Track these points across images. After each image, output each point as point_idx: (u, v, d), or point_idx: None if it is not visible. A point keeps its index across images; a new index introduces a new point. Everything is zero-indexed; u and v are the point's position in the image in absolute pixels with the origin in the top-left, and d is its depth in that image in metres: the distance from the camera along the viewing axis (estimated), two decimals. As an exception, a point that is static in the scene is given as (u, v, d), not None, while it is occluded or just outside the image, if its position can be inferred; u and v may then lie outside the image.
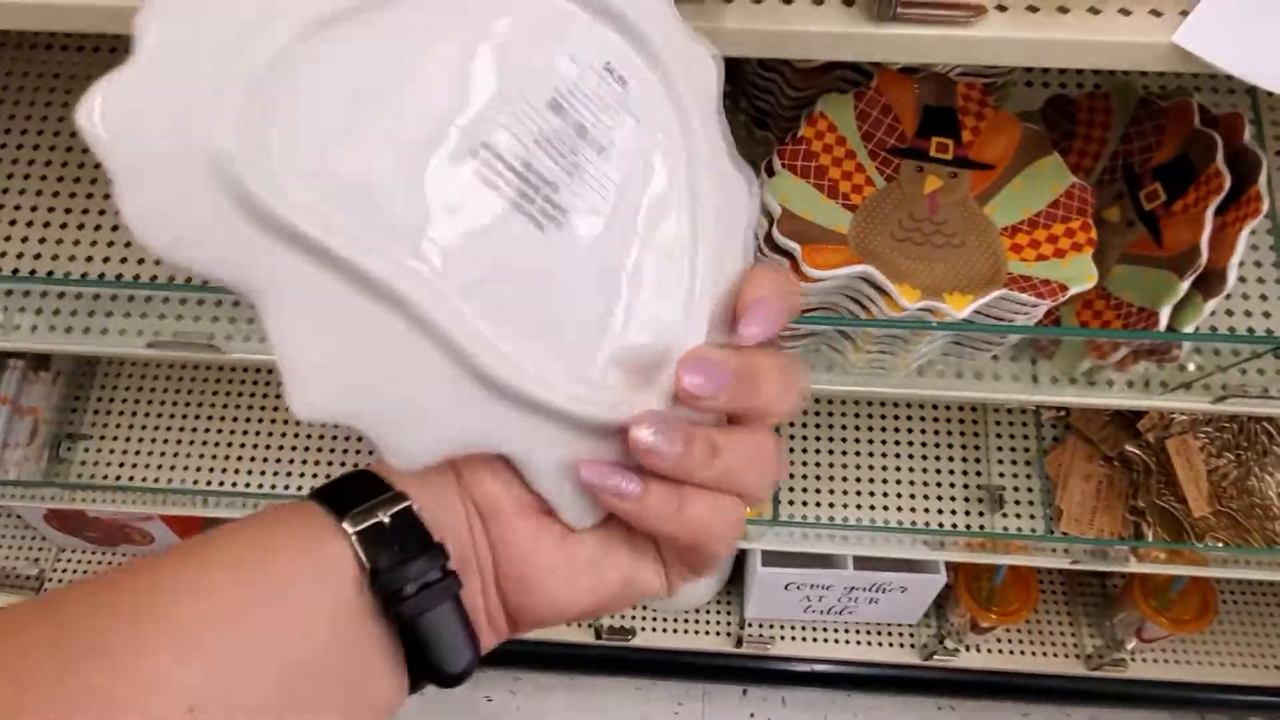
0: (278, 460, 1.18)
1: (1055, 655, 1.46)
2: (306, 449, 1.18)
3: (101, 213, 0.85)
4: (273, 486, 1.16)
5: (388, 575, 0.28)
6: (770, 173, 0.69)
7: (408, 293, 0.25)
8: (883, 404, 1.19)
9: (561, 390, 0.28)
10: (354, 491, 0.29)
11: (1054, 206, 0.70)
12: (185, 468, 1.18)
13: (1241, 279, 0.77)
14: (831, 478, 1.15)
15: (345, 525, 0.28)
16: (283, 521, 0.29)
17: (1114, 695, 1.47)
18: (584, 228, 0.29)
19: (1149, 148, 0.76)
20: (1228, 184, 0.68)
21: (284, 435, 1.19)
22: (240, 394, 1.22)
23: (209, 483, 1.15)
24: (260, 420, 1.20)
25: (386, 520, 0.28)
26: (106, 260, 0.84)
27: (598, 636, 1.45)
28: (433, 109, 0.26)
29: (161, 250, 0.23)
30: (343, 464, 1.16)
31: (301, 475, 1.16)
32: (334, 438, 1.18)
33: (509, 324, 0.27)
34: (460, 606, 0.29)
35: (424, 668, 0.29)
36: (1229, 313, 0.76)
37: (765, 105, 0.83)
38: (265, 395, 1.22)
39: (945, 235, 0.70)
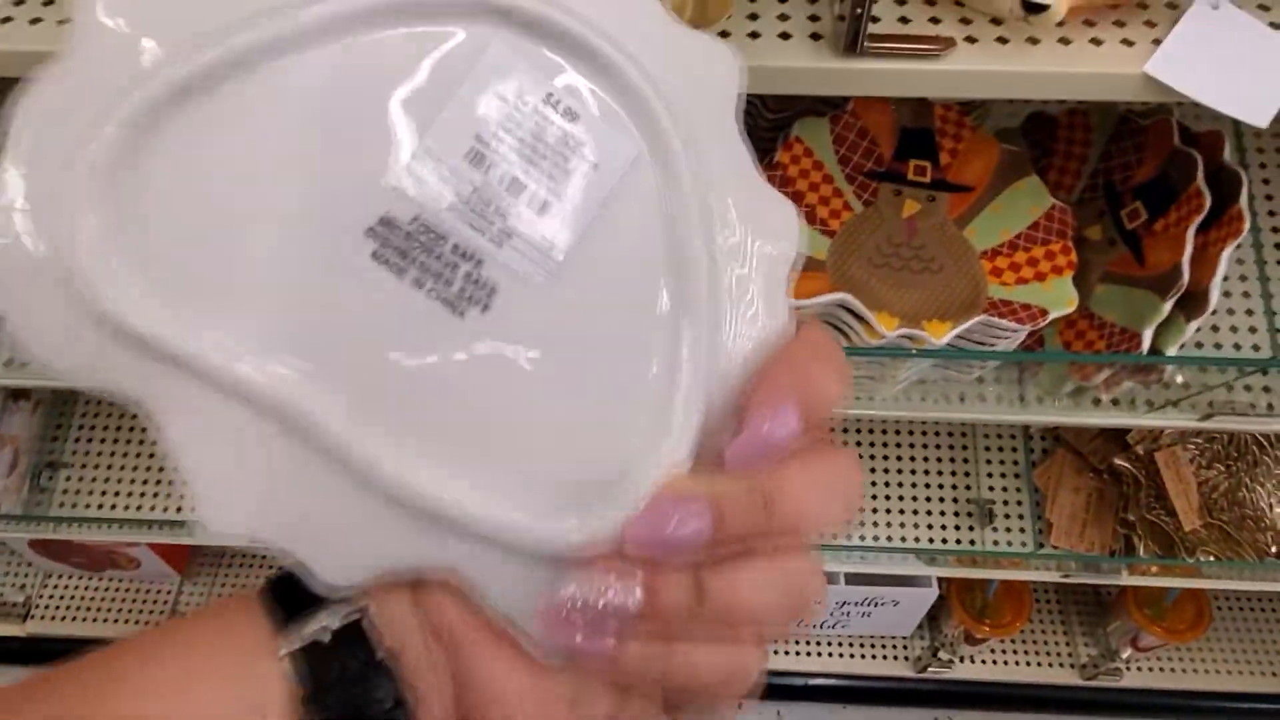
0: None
1: (1050, 665, 1.46)
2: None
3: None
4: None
5: (322, 704, 0.24)
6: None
7: (289, 405, 0.22)
8: (871, 422, 1.18)
9: (494, 514, 0.23)
10: (302, 591, 0.25)
11: (1034, 229, 0.69)
12: (169, 495, 1.16)
13: (1225, 294, 0.76)
14: (820, 494, 1.14)
15: (281, 641, 0.24)
16: (214, 633, 0.26)
17: (1110, 705, 1.46)
18: (519, 308, 0.24)
19: (1130, 165, 0.75)
20: (1208, 204, 0.68)
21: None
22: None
23: (194, 509, 1.14)
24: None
25: (328, 636, 0.24)
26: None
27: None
28: (309, 187, 0.22)
29: (44, 361, 0.21)
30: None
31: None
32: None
33: (419, 434, 0.23)
34: None
35: None
36: (1214, 329, 0.75)
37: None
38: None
39: (924, 260, 0.69)
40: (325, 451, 0.22)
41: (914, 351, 0.66)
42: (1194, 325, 0.69)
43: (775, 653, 1.45)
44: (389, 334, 0.23)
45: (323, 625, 0.25)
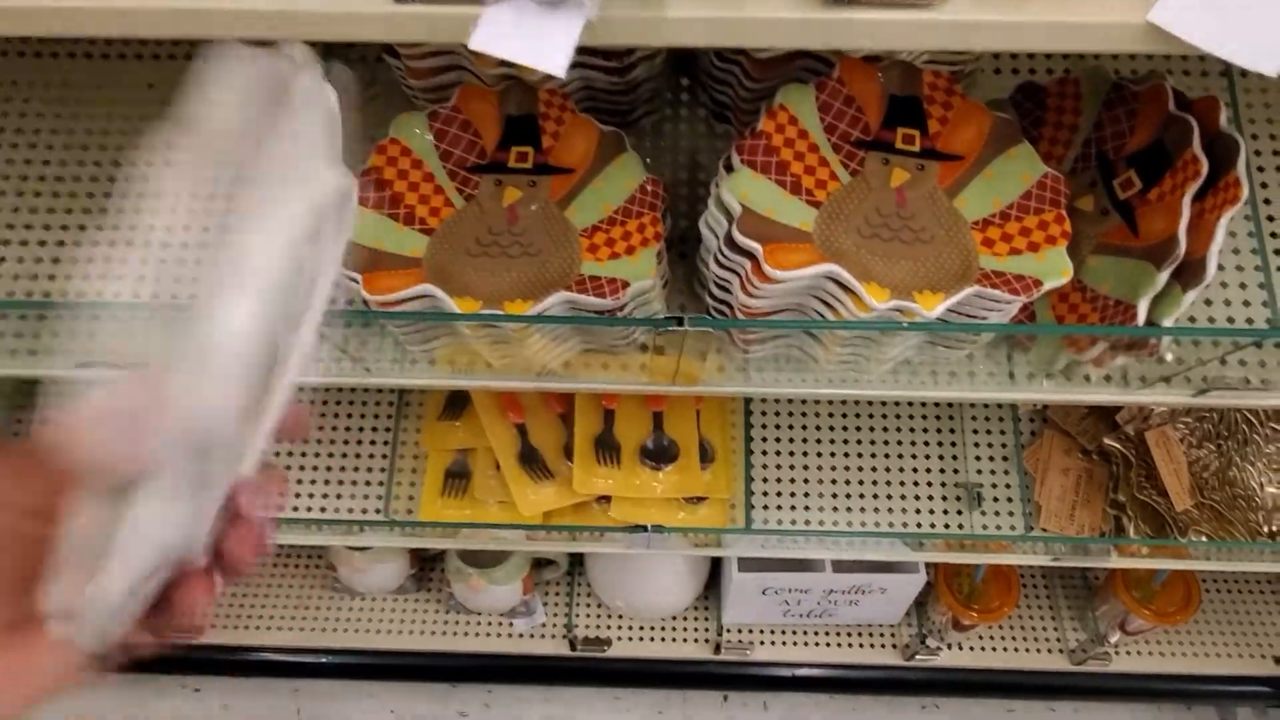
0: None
1: (1039, 650, 1.44)
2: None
3: (28, 227, 0.81)
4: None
5: None
6: (729, 169, 0.66)
7: None
8: (856, 404, 1.16)
9: None
10: None
11: (1026, 198, 0.67)
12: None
13: (1221, 266, 0.74)
14: (806, 480, 1.12)
15: None
16: None
17: (1100, 689, 1.45)
18: None
19: (1122, 134, 0.73)
20: (1205, 170, 0.66)
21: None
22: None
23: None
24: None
25: None
26: (35, 278, 0.80)
27: (573, 648, 1.41)
28: None
29: None
30: (294, 492, 1.12)
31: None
32: (288, 466, 1.13)
33: None
34: None
35: None
36: (1208, 302, 0.73)
37: (724, 98, 0.80)
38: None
39: (914, 230, 0.67)
40: None
41: (904, 325, 0.63)
42: (1190, 295, 0.67)
43: (762, 644, 1.43)
44: None
45: None
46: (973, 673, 1.45)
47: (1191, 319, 0.72)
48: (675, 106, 0.86)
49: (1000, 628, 1.45)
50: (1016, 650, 1.44)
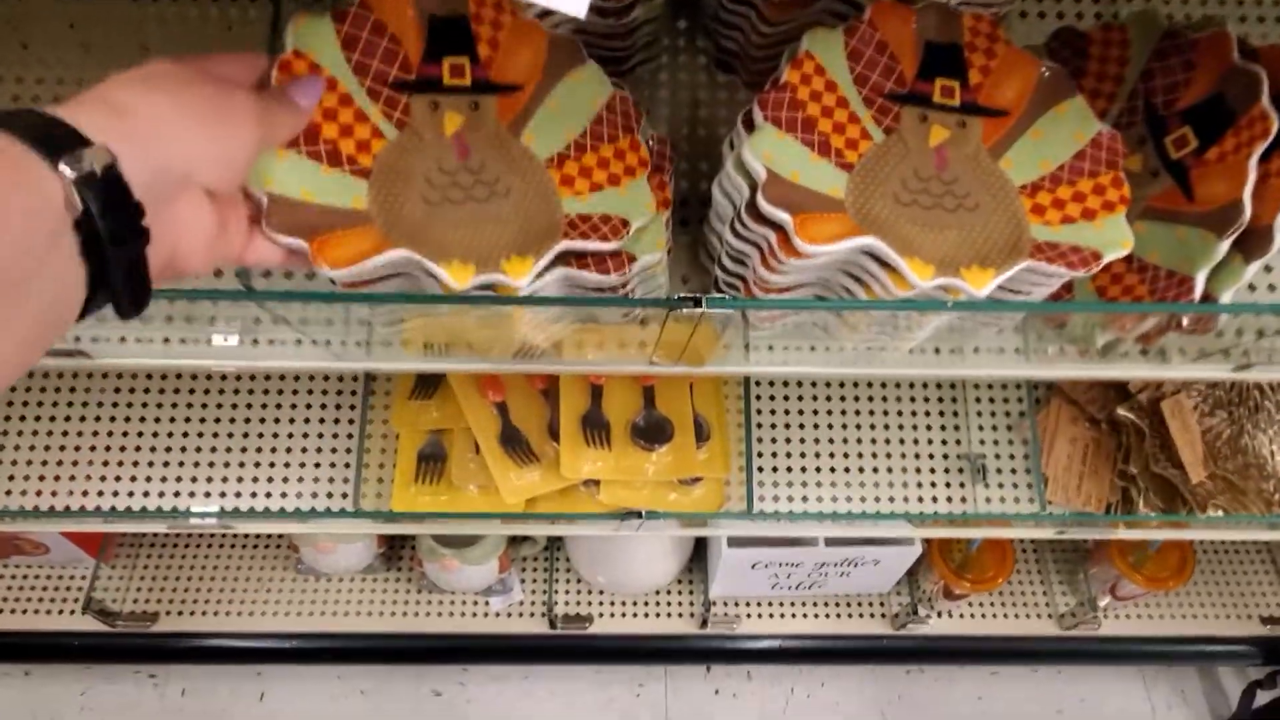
0: (178, 475, 1.03)
1: (1028, 616, 1.42)
2: (211, 463, 1.03)
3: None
4: (174, 503, 1.02)
5: (96, 221, 0.36)
6: (750, 127, 0.57)
7: None
8: (856, 381, 1.10)
9: None
10: (56, 133, 0.36)
11: (1079, 159, 0.60)
12: (73, 477, 1.03)
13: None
14: (804, 453, 1.06)
15: (64, 169, 0.35)
16: None
17: (1089, 654, 1.43)
18: None
19: (1175, 86, 0.66)
20: (1275, 128, 0.59)
21: (184, 449, 1.04)
22: (130, 403, 1.06)
23: (100, 492, 1.01)
24: (155, 433, 1.04)
25: (98, 170, 0.36)
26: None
27: (552, 626, 1.35)
28: None
29: None
30: (240, 478, 1.03)
31: (208, 493, 1.02)
32: (243, 449, 1.03)
33: None
34: (144, 258, 0.39)
35: (104, 298, 0.39)
36: (1267, 269, 0.67)
37: (731, 44, 0.71)
38: (159, 405, 1.06)
39: (957, 197, 0.60)
40: None
41: (949, 304, 0.56)
42: (1253, 268, 0.61)
43: (749, 616, 1.38)
44: None
45: (92, 164, 0.35)
46: (961, 639, 1.42)
47: (1251, 287, 0.66)
48: (673, 54, 0.78)
49: (990, 594, 1.42)
50: (1006, 616, 1.42)
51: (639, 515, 0.89)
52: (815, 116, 0.59)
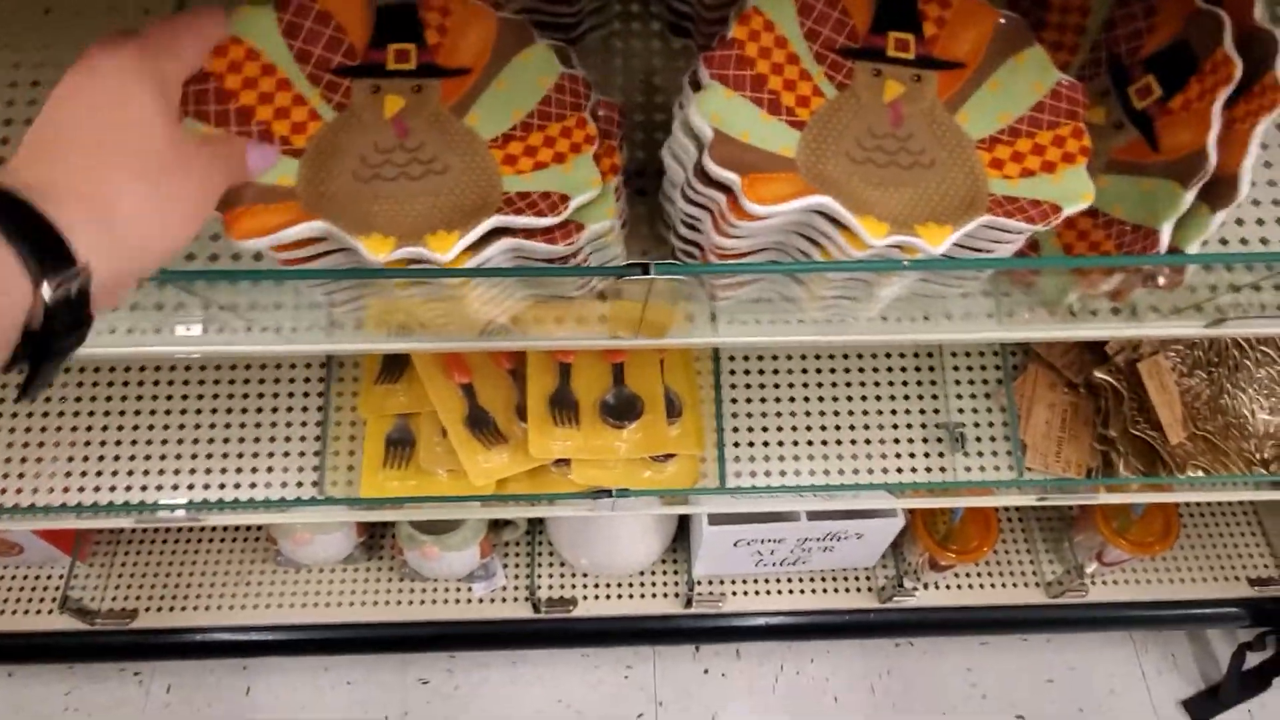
0: (145, 469, 1.01)
1: (1016, 586, 1.41)
2: (179, 455, 1.01)
3: None
4: (142, 497, 1.00)
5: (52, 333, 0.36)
6: (696, 86, 0.55)
7: None
8: (830, 351, 1.08)
9: None
10: (44, 241, 0.35)
11: (1038, 110, 0.58)
12: (38, 474, 1.01)
13: (1253, 183, 0.66)
14: (780, 426, 1.05)
15: (45, 290, 0.35)
16: None
17: (1077, 621, 1.43)
18: None
19: (1138, 34, 0.64)
20: (1238, 73, 0.57)
21: (149, 441, 1.02)
22: (94, 396, 1.04)
23: (66, 489, 0.99)
24: (120, 426, 1.02)
25: (74, 293, 0.36)
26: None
27: (536, 610, 1.34)
28: None
29: None
30: (209, 470, 1.01)
31: (175, 485, 1.00)
32: (210, 440, 1.01)
33: None
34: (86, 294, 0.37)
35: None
36: (1239, 222, 0.65)
37: (684, 7, 0.69)
38: (123, 397, 1.04)
39: (913, 153, 0.58)
40: None
41: (906, 263, 0.55)
42: (1220, 217, 0.59)
43: (734, 595, 1.37)
44: None
45: (71, 289, 0.36)
46: (949, 611, 1.41)
47: (1223, 241, 0.65)
48: (626, 19, 0.76)
49: (977, 564, 1.41)
50: (994, 586, 1.41)
51: (609, 494, 0.88)
52: (765, 74, 0.57)
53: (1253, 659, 1.48)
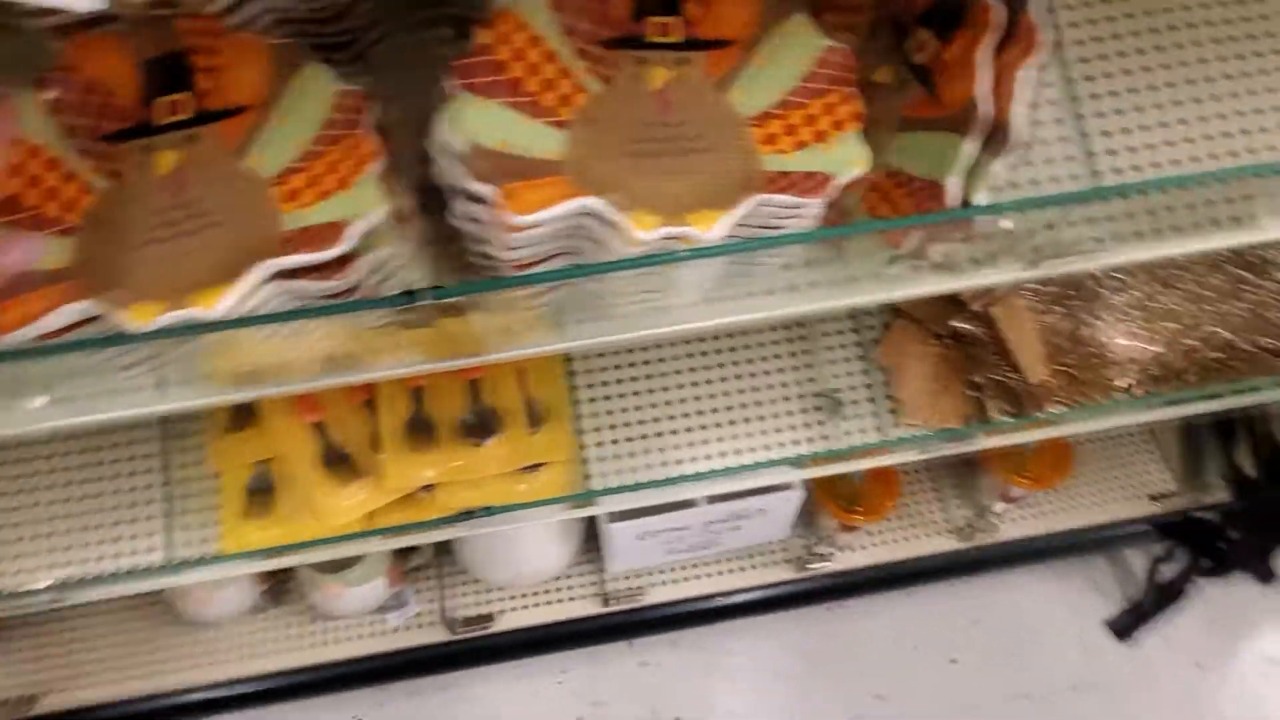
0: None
1: (928, 535, 1.43)
2: (34, 537, 0.95)
3: None
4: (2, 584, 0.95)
5: None
6: (444, 100, 0.53)
7: None
8: (688, 336, 1.07)
9: None
10: None
11: (809, 80, 0.57)
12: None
13: (1039, 122, 0.66)
14: (656, 418, 1.03)
15: None
16: None
17: (993, 559, 1.45)
18: None
19: (911, -11, 0.63)
20: (1001, 18, 0.57)
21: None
22: None
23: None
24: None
25: None
26: None
27: (453, 631, 1.32)
28: None
29: None
30: (68, 547, 0.96)
31: (36, 568, 0.95)
32: (67, 516, 0.96)
33: None
34: None
35: None
36: (1029, 164, 0.65)
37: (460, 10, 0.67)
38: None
39: (686, 139, 0.57)
40: None
41: (685, 254, 0.53)
42: (998, 164, 0.59)
43: (654, 586, 1.36)
44: None
45: None
46: (869, 570, 1.42)
47: (1014, 185, 0.65)
48: (412, 28, 0.73)
49: (888, 521, 1.42)
50: (907, 540, 1.42)
51: (472, 515, 0.86)
52: (521, 77, 0.55)
53: (1168, 572, 1.52)
